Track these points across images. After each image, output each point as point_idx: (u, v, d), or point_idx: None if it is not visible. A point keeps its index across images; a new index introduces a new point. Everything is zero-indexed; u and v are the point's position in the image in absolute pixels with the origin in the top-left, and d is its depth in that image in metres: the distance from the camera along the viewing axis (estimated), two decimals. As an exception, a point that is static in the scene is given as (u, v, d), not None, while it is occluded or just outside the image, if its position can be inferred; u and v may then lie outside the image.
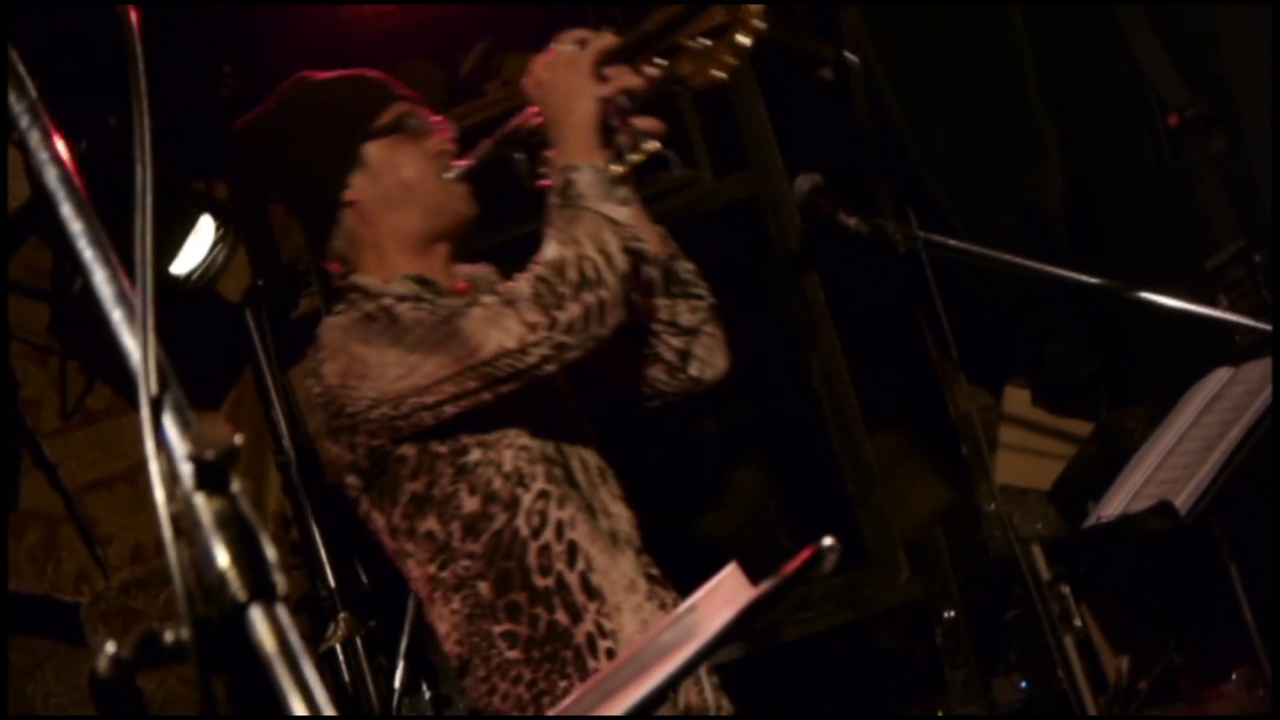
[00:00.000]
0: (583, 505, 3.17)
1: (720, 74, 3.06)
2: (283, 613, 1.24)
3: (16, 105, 1.48)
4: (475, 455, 3.12)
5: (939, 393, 5.21)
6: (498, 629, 3.11)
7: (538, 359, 2.97)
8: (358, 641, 5.03)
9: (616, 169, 3.05)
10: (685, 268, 3.35)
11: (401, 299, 3.14)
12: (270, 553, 1.25)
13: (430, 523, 3.15)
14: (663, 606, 3.17)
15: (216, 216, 5.14)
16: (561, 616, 3.10)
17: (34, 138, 1.45)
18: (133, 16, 1.49)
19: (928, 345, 5.18)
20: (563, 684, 3.08)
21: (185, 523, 1.25)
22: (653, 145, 3.15)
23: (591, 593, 3.12)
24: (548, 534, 3.11)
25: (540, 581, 3.10)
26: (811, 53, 5.16)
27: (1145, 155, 4.99)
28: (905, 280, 4.81)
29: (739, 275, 4.60)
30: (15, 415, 5.34)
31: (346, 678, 5.10)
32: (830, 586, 4.43)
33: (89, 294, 1.38)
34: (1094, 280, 3.63)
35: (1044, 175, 5.07)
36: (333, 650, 5.03)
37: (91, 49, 4.51)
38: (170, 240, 5.01)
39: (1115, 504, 4.12)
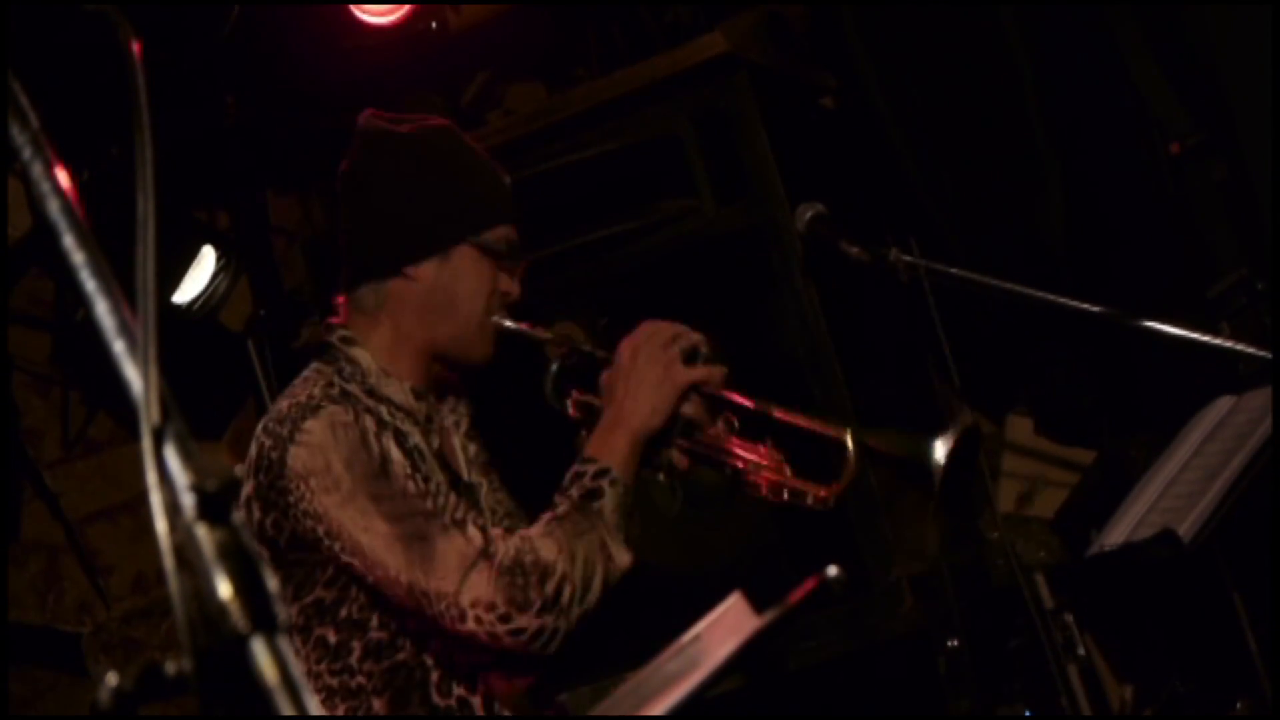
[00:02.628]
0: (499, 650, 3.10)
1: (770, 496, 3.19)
2: (284, 643, 1.24)
3: (19, 136, 1.48)
4: None
5: (941, 421, 5.20)
6: None
7: (471, 631, 2.94)
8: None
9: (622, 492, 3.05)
10: None
11: (393, 406, 3.11)
12: (272, 583, 1.25)
13: (327, 631, 3.09)
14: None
15: (218, 246, 5.14)
16: None
17: (36, 168, 1.46)
18: (135, 47, 1.50)
19: (930, 374, 5.17)
20: None
21: (187, 553, 1.25)
22: (660, 476, 3.18)
23: (491, 712, 3.09)
24: (452, 662, 3.08)
25: (439, 700, 3.08)
26: (813, 81, 5.18)
27: (1147, 183, 4.99)
28: (907, 309, 4.81)
29: (740, 304, 4.60)
30: (17, 445, 5.33)
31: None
32: (833, 616, 4.42)
33: (91, 324, 1.38)
34: (1096, 309, 3.63)
35: (1045, 203, 5.07)
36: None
37: (94, 79, 4.51)
38: (172, 270, 5.01)
39: (1118, 533, 4.11)
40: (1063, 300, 3.68)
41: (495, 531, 2.99)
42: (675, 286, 4.59)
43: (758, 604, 1.83)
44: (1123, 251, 5.07)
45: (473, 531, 2.96)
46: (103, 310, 1.37)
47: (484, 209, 3.20)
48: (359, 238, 3.24)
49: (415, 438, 3.11)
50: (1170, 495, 4.12)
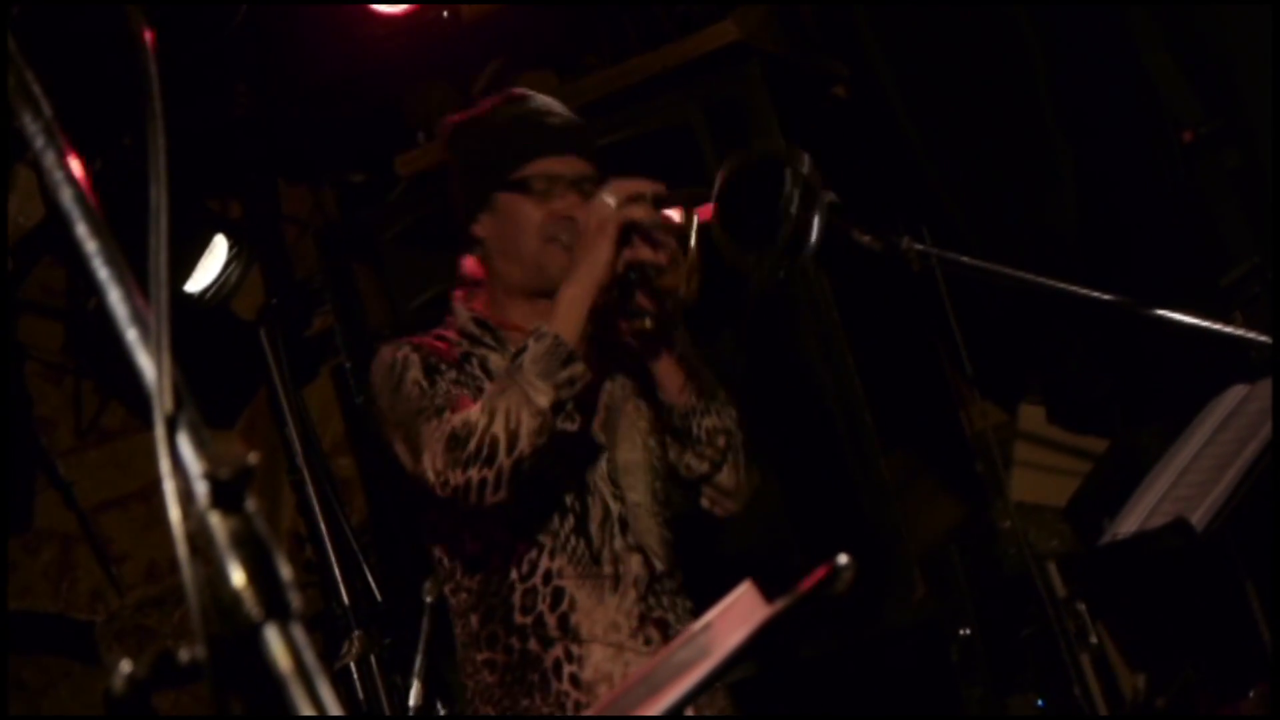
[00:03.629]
0: (582, 553, 3.34)
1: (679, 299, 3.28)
2: (297, 631, 1.24)
3: (31, 125, 1.48)
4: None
5: (953, 410, 5.21)
6: (480, 656, 3.35)
7: (441, 495, 3.18)
8: (372, 659, 5.04)
9: (567, 349, 3.20)
10: (706, 425, 3.50)
11: (472, 340, 3.42)
12: (285, 571, 1.25)
13: (440, 551, 3.42)
14: (648, 643, 3.33)
15: (230, 235, 5.15)
16: (534, 645, 3.31)
17: (49, 157, 1.46)
18: (148, 37, 1.50)
19: (942, 363, 5.17)
20: (524, 702, 3.31)
21: (200, 542, 1.25)
22: (646, 323, 3.35)
23: (567, 629, 3.31)
24: (535, 579, 3.32)
25: (520, 619, 3.32)
26: (825, 70, 5.17)
27: (1159, 172, 4.98)
28: (919, 298, 4.81)
29: (752, 293, 4.60)
30: (30, 434, 5.35)
31: (361, 696, 5.10)
32: (845, 604, 4.42)
33: (103, 313, 1.38)
34: (1108, 297, 3.62)
35: (1058, 192, 5.07)
36: (348, 668, 5.03)
37: (106, 69, 4.52)
38: (184, 259, 5.03)
39: (1131, 521, 4.11)
40: (1075, 289, 3.68)
41: (461, 409, 3.24)
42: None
43: (768, 592, 1.83)
44: (1135, 240, 5.06)
45: (446, 414, 3.21)
46: (115, 299, 1.38)
47: (510, 152, 3.42)
48: (452, 220, 3.55)
49: (491, 358, 3.40)
50: (1183, 484, 4.12)
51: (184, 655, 1.25)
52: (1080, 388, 5.13)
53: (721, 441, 3.50)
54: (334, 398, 5.55)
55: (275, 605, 1.23)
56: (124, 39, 1.51)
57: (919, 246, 3.88)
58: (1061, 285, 3.69)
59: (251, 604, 1.23)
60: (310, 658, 1.23)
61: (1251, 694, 4.30)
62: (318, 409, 5.51)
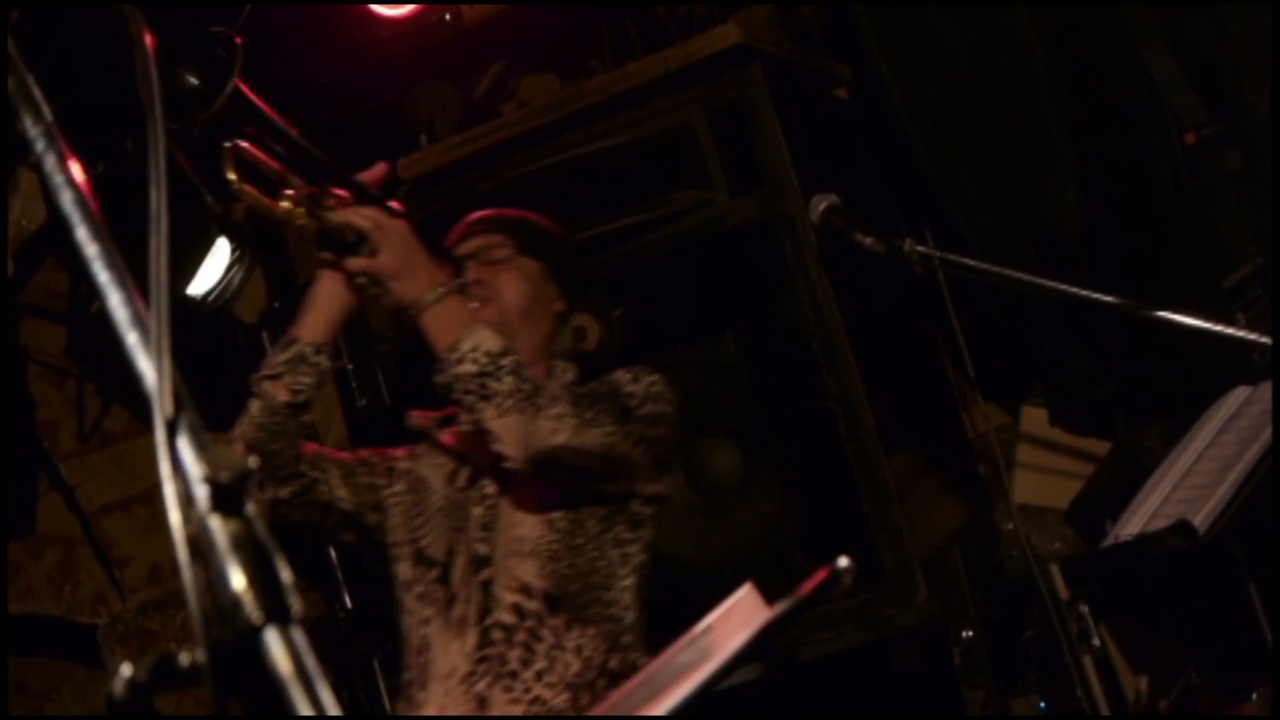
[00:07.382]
0: (445, 599, 3.40)
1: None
2: (298, 635, 1.24)
3: (32, 129, 1.48)
4: (395, 569, 3.51)
5: (956, 412, 5.20)
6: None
7: None
8: (374, 663, 5.03)
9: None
10: (456, 373, 3.26)
11: None
12: (285, 575, 1.25)
13: None
14: (470, 690, 3.32)
15: (233, 238, 5.14)
16: (402, 707, 3.44)
17: (50, 161, 1.46)
18: (148, 40, 1.50)
19: (944, 365, 5.17)
20: None
21: (201, 545, 1.25)
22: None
23: (424, 683, 3.39)
24: (415, 634, 3.44)
25: (405, 675, 3.46)
26: (827, 72, 5.17)
27: (1162, 174, 4.98)
28: (922, 300, 4.81)
29: (754, 295, 4.60)
30: (33, 437, 5.35)
31: (363, 699, 5.10)
32: (847, 606, 4.42)
33: (105, 316, 1.38)
34: (1111, 299, 3.62)
35: (1060, 194, 5.06)
36: (350, 671, 5.02)
37: (108, 73, 4.52)
38: (186, 262, 5.02)
39: (1133, 523, 4.11)
40: (1077, 290, 3.68)
41: None
42: (689, 277, 4.59)
43: (769, 595, 1.83)
44: (1137, 242, 5.06)
45: None
46: (116, 303, 1.38)
47: None
48: None
49: None
50: (1185, 486, 4.12)
51: (185, 659, 1.25)
52: (1083, 390, 5.13)
53: (471, 387, 3.20)
54: (336, 400, 5.55)
55: (276, 609, 1.23)
56: (126, 42, 1.51)
57: (921, 248, 3.89)
58: (1064, 287, 3.70)
59: (252, 608, 1.23)
60: (310, 661, 1.23)
61: (1254, 696, 4.29)
62: (319, 412, 5.50)
